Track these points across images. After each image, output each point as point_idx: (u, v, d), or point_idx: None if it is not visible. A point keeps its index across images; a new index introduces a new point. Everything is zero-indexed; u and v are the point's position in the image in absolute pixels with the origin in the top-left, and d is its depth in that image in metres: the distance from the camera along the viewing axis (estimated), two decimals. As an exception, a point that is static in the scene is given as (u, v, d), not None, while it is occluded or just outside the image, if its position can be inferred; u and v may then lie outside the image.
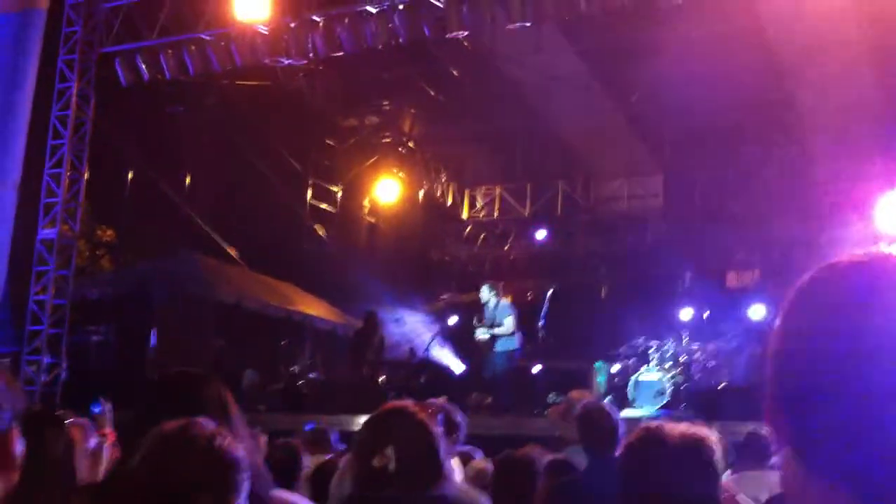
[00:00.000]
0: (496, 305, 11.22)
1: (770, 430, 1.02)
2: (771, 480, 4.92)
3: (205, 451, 2.11)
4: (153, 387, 2.83)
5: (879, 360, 0.93)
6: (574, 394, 6.27)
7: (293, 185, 16.20)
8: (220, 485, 2.12)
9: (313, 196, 16.67)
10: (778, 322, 1.02)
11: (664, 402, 10.89)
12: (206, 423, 2.18)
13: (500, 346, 11.12)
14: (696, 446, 2.35)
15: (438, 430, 2.61)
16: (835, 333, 0.95)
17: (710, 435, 2.40)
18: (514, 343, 11.18)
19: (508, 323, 11.11)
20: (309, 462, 5.19)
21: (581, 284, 14.83)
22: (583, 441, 4.59)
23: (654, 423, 2.50)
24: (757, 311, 12.60)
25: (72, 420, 4.06)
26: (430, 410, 3.29)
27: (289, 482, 4.47)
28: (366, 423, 2.64)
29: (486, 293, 11.31)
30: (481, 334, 11.22)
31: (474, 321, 11.38)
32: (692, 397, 11.30)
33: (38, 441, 3.28)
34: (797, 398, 0.99)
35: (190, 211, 14.64)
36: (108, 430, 5.09)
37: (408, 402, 2.68)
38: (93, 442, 4.26)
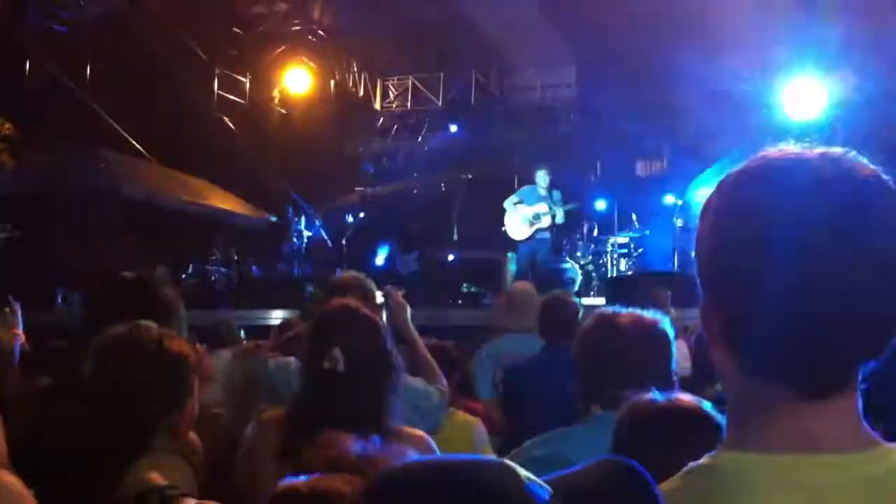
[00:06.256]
0: (551, 196, 11.01)
1: (704, 325, 1.06)
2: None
3: (155, 354, 2.10)
4: (105, 290, 2.80)
5: (768, 258, 0.96)
6: (516, 286, 6.42)
7: (199, 76, 15.68)
8: (173, 386, 2.12)
9: (220, 87, 16.19)
10: (708, 220, 1.04)
11: (575, 289, 11.17)
12: (151, 326, 2.17)
13: (541, 235, 11.02)
14: (649, 328, 2.44)
15: (384, 324, 2.63)
16: (745, 235, 0.98)
17: (662, 320, 2.49)
18: (549, 234, 11.14)
19: (561, 216, 11.03)
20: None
21: (494, 175, 14.88)
22: (541, 329, 4.72)
23: (607, 311, 2.57)
24: (668, 200, 12.91)
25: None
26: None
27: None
28: (313, 323, 2.63)
29: (542, 178, 11.04)
30: (543, 215, 10.87)
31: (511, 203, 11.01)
32: (602, 284, 11.60)
33: None
34: (725, 294, 1.02)
35: (93, 104, 14.08)
36: (18, 329, 5.02)
37: (352, 301, 2.67)
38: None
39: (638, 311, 2.54)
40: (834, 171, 0.98)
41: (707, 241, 1.03)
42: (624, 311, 2.56)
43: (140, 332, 2.14)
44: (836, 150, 1.01)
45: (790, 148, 1.03)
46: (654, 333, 2.47)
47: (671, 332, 2.53)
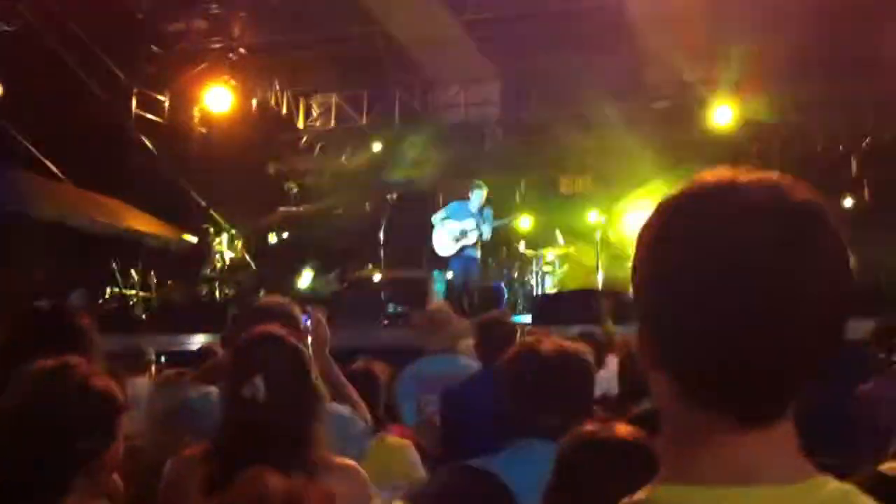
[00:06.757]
0: (482, 213, 10.89)
1: (641, 353, 1.05)
2: (599, 381, 5.16)
3: (81, 393, 2.01)
4: (19, 321, 2.69)
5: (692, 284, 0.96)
6: (434, 306, 6.43)
7: (117, 95, 15.34)
8: (98, 427, 2.03)
9: (139, 106, 15.86)
10: (644, 246, 1.04)
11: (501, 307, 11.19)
12: (79, 362, 2.07)
13: (470, 252, 10.90)
14: (570, 357, 2.48)
15: (308, 353, 2.59)
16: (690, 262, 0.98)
17: (584, 349, 2.53)
18: (477, 252, 11.04)
19: (488, 233, 10.94)
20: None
21: (419, 193, 14.88)
22: (478, 351, 4.70)
23: (530, 338, 2.62)
24: (591, 217, 13.06)
25: None
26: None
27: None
28: (234, 351, 2.57)
29: (477, 195, 10.86)
30: (470, 231, 10.72)
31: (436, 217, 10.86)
32: (527, 302, 11.65)
33: None
34: (660, 321, 1.01)
35: (4, 123, 13.64)
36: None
37: (275, 327, 2.61)
38: None
39: (560, 340, 2.60)
40: (768, 198, 0.98)
41: (643, 267, 1.03)
42: (546, 339, 2.61)
43: (66, 369, 2.04)
44: (772, 174, 1.01)
45: (726, 173, 1.02)
46: (575, 362, 2.52)
47: (591, 361, 2.60)
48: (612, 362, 4.98)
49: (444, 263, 11.80)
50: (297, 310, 3.39)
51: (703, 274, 0.96)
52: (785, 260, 0.94)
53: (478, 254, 11.06)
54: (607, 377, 4.94)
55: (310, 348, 2.85)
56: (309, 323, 3.41)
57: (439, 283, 11.80)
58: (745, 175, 1.01)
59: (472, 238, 10.93)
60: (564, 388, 2.45)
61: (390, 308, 11.33)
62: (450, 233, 10.99)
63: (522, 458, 2.34)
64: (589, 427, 1.89)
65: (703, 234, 0.97)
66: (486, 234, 11.08)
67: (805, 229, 0.96)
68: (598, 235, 11.94)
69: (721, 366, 0.96)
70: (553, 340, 2.58)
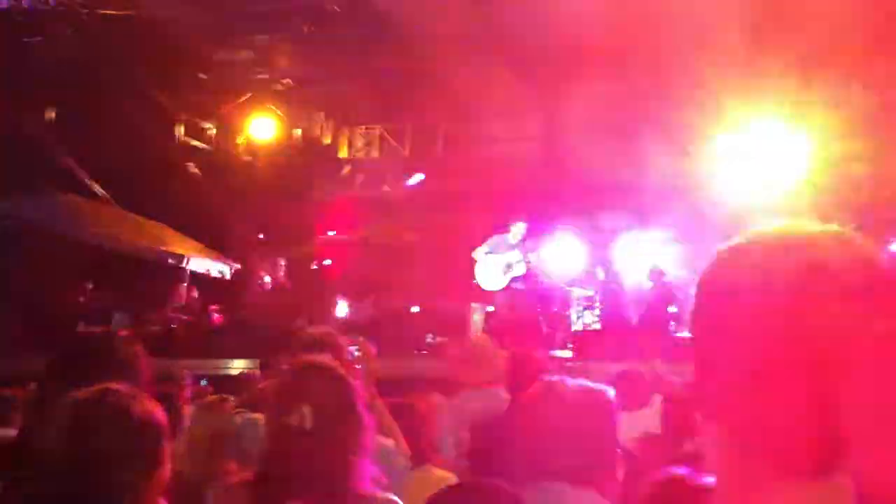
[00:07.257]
0: (525, 243, 10.87)
1: (693, 398, 1.05)
2: (643, 420, 5.10)
3: (125, 422, 2.00)
4: (64, 349, 2.71)
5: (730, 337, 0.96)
6: (475, 338, 6.31)
7: (163, 122, 15.58)
8: (143, 455, 2.02)
9: (185, 133, 16.10)
10: (699, 296, 1.03)
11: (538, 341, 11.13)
12: (121, 389, 2.07)
13: (517, 285, 10.85)
14: (593, 400, 2.40)
15: (357, 385, 2.59)
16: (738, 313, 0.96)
17: (607, 390, 2.45)
18: (523, 285, 11.01)
19: (532, 265, 10.90)
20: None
21: (458, 225, 14.89)
22: (508, 385, 4.64)
23: (553, 378, 2.52)
24: (633, 254, 12.98)
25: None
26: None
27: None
28: (282, 378, 2.58)
29: (518, 229, 10.85)
30: (516, 263, 10.66)
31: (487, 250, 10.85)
32: (565, 338, 11.57)
33: None
34: (710, 371, 1.00)
35: (52, 147, 13.92)
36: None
37: (325, 357, 2.62)
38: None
39: (583, 381, 2.50)
40: (827, 254, 0.96)
41: (699, 316, 1.03)
42: (569, 378, 2.52)
43: (109, 397, 2.03)
44: (831, 228, 1.00)
45: (784, 227, 1.01)
46: (597, 403, 2.42)
47: (614, 403, 2.49)
48: (657, 400, 4.91)
49: (488, 295, 11.77)
50: (344, 340, 3.39)
51: (758, 328, 0.94)
52: (845, 318, 0.92)
53: (524, 286, 10.98)
54: (651, 415, 4.89)
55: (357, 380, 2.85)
56: (357, 353, 3.42)
57: (477, 314, 11.76)
58: (802, 229, 1.00)
59: (518, 269, 10.87)
60: (584, 430, 2.38)
61: (429, 339, 11.31)
62: (495, 266, 10.92)
63: (538, 501, 2.29)
64: (678, 472, 1.85)
65: (761, 287, 0.96)
66: (531, 267, 11.04)
67: (867, 287, 0.94)
68: (641, 272, 11.84)
69: (771, 419, 0.94)
70: (576, 382, 2.51)
